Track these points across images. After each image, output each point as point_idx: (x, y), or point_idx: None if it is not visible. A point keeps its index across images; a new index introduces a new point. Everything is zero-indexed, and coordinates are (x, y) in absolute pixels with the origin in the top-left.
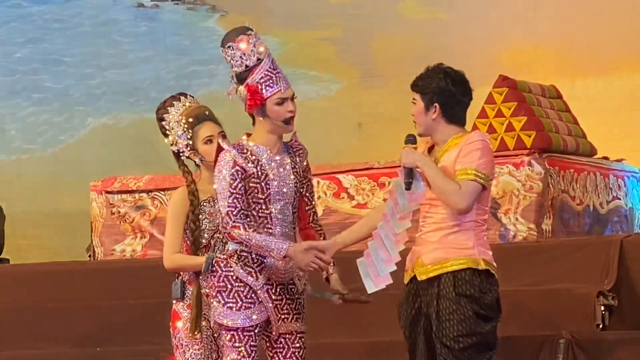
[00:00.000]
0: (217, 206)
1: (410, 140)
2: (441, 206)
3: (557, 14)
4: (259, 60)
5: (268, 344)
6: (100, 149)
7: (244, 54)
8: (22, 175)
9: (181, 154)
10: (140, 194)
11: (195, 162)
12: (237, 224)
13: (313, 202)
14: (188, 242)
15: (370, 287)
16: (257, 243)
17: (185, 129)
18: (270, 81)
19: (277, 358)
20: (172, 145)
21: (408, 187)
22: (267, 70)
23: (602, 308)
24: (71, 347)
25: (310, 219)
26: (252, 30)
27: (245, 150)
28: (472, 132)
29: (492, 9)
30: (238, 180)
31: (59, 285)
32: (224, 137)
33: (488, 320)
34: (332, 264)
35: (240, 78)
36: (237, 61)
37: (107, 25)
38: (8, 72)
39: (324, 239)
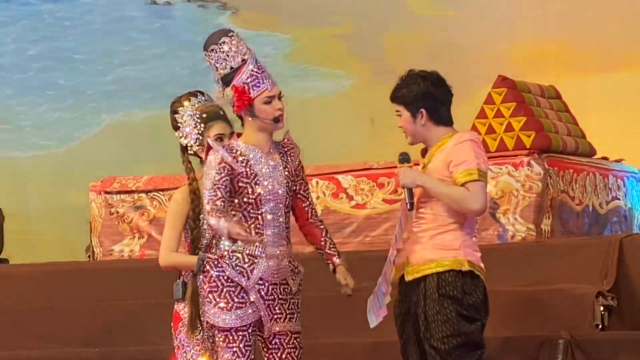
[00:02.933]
0: None
1: (405, 159)
2: (432, 207)
3: (566, 10)
4: (244, 61)
5: (263, 344)
6: (114, 146)
7: (228, 56)
8: (37, 171)
9: (189, 148)
10: (140, 194)
11: (201, 158)
12: (212, 210)
13: (310, 199)
14: (189, 242)
15: (372, 322)
16: (213, 225)
17: (197, 123)
18: (257, 81)
19: (272, 358)
20: (181, 137)
21: (411, 207)
22: (252, 71)
23: (602, 308)
24: (71, 347)
25: (309, 215)
26: (233, 32)
27: (234, 150)
28: (460, 132)
29: (502, 6)
30: (223, 174)
31: (58, 285)
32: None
33: (472, 320)
34: (337, 255)
35: (226, 80)
36: (221, 64)
37: (120, 23)
38: (21, 69)
39: (326, 233)
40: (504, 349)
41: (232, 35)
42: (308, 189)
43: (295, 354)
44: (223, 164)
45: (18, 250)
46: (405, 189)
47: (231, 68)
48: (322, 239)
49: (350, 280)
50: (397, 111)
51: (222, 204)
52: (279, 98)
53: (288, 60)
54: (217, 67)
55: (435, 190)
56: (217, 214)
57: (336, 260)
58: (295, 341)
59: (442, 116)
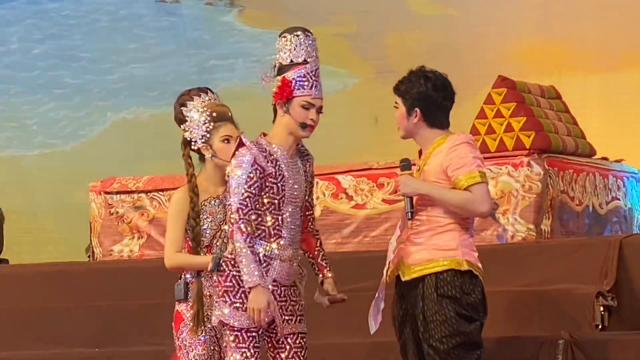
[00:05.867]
0: (221, 205)
1: (406, 165)
2: (428, 208)
3: (567, 10)
4: (305, 61)
5: (270, 345)
6: (120, 144)
7: (295, 49)
8: (44, 169)
9: (193, 144)
10: (139, 195)
11: (204, 155)
12: (240, 229)
13: (312, 208)
14: (189, 241)
15: (372, 328)
16: (240, 260)
17: (207, 121)
18: (306, 83)
19: (279, 358)
20: (185, 132)
21: (411, 216)
22: (308, 73)
23: (602, 308)
24: (70, 347)
25: (309, 223)
26: (312, 35)
27: (264, 150)
28: (454, 134)
29: (503, 5)
30: (255, 179)
31: (58, 285)
32: None
33: (471, 320)
34: (328, 268)
35: (281, 70)
36: (285, 52)
37: (127, 20)
38: (28, 68)
39: (320, 243)
40: (504, 349)
41: (309, 35)
42: (313, 198)
43: (302, 354)
44: (256, 166)
45: (25, 248)
46: (406, 198)
47: (291, 61)
48: (317, 248)
49: (335, 292)
50: (395, 102)
51: (249, 217)
52: (318, 111)
53: None
54: (279, 54)
55: (439, 198)
56: (247, 239)
57: (327, 272)
58: (301, 341)
59: (436, 120)
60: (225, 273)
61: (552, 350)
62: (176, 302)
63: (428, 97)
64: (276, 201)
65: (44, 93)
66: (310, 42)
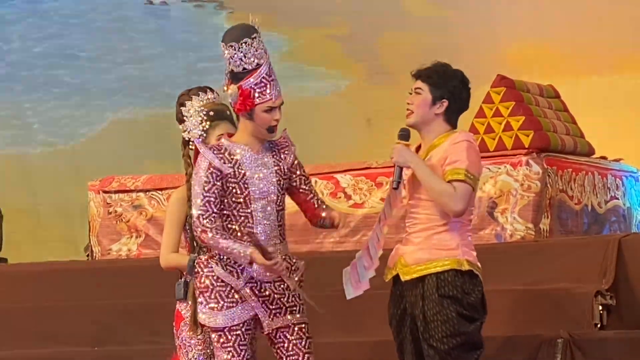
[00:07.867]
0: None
1: (404, 135)
2: (425, 206)
3: (561, 12)
4: (258, 65)
5: (270, 342)
6: (118, 143)
7: (245, 57)
8: (46, 168)
9: (191, 143)
10: (138, 194)
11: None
12: (206, 229)
13: (313, 191)
14: (189, 240)
15: (350, 294)
16: (223, 248)
17: (203, 120)
18: (264, 88)
19: (280, 352)
20: (184, 131)
21: (397, 186)
22: (263, 77)
23: (600, 307)
24: (70, 346)
25: (316, 205)
26: (257, 32)
27: (222, 151)
28: (456, 132)
29: (497, 7)
30: (212, 182)
31: (57, 284)
32: None
33: (472, 320)
34: (324, 207)
35: (236, 77)
36: (236, 62)
37: (120, 22)
38: (28, 67)
39: (320, 202)
40: (503, 349)
41: (255, 37)
42: (309, 182)
43: (302, 344)
44: (211, 170)
45: (26, 246)
46: (397, 167)
47: (244, 69)
48: (316, 208)
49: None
50: (418, 88)
51: (214, 219)
52: (279, 108)
53: (284, 60)
54: (230, 62)
55: (422, 178)
56: (214, 232)
57: (321, 212)
58: (300, 332)
59: (453, 116)
60: (199, 274)
61: (551, 350)
62: (177, 302)
63: (459, 93)
64: (241, 200)
65: (45, 92)
66: (257, 44)
